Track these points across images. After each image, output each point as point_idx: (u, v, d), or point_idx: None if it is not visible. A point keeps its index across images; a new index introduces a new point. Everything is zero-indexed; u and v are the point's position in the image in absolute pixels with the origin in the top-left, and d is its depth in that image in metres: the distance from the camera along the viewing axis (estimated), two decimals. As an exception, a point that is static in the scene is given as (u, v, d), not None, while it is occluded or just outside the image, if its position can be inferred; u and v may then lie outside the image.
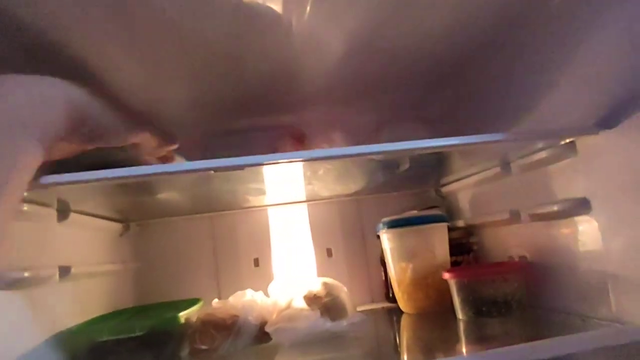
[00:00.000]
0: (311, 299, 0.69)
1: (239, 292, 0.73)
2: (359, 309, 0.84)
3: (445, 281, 0.71)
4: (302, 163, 0.54)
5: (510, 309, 0.65)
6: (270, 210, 0.96)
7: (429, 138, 0.50)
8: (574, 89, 0.57)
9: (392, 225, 0.78)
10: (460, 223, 0.89)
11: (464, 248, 0.86)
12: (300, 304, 0.69)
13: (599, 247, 0.56)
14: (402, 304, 0.79)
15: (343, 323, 0.63)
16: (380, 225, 0.80)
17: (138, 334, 0.60)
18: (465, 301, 0.68)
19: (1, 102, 0.37)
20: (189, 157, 0.57)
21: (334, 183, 0.79)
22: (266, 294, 0.75)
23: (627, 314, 0.53)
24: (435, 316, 0.74)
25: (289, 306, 0.69)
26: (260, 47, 0.60)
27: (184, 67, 0.63)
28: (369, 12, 0.55)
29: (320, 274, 0.94)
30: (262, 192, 0.75)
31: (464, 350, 0.56)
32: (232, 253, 0.95)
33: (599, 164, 0.55)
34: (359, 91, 0.82)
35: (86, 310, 0.69)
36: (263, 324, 0.66)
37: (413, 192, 1.00)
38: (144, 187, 0.59)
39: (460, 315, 0.68)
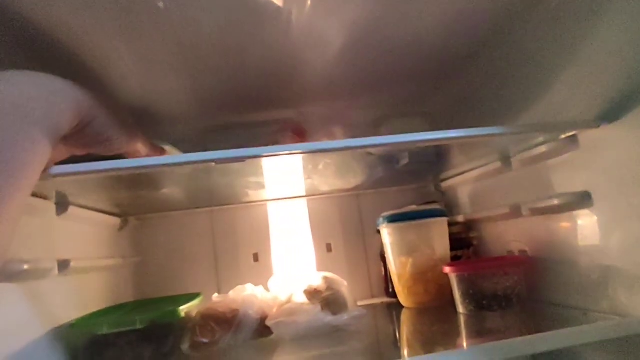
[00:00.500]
0: (311, 294, 0.69)
1: (239, 287, 0.73)
2: (359, 304, 0.84)
3: (446, 275, 0.71)
4: (302, 156, 0.53)
5: (511, 303, 0.65)
6: (270, 205, 0.96)
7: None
8: (575, 84, 0.57)
9: (393, 219, 0.78)
10: (460, 218, 0.89)
11: (464, 243, 0.86)
12: (301, 298, 0.69)
13: (599, 240, 0.57)
14: (402, 298, 0.79)
15: (344, 317, 0.63)
16: (381, 219, 0.80)
17: (139, 327, 0.60)
18: (465, 295, 0.68)
19: (12, 95, 0.37)
20: (189, 153, 0.57)
21: (334, 177, 0.79)
22: (266, 289, 0.75)
23: (628, 307, 0.53)
24: (436, 310, 0.74)
25: (289, 301, 0.69)
26: (259, 40, 0.60)
27: (180, 59, 0.62)
28: (368, 5, 0.55)
29: (320, 269, 0.94)
30: (262, 186, 0.75)
31: (464, 343, 0.56)
32: (231, 248, 0.94)
33: (600, 158, 0.55)
34: (359, 86, 0.82)
35: (86, 304, 0.69)
36: (263, 318, 0.66)
37: (412, 188, 1.00)
38: (143, 180, 0.59)
39: (460, 309, 0.68)
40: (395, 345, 0.61)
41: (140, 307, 0.75)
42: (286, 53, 0.65)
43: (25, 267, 0.51)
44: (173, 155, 0.45)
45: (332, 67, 0.72)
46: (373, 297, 0.95)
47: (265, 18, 0.54)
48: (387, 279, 0.89)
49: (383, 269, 0.90)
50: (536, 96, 0.64)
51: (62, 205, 0.62)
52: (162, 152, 0.59)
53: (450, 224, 0.81)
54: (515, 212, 0.71)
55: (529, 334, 0.49)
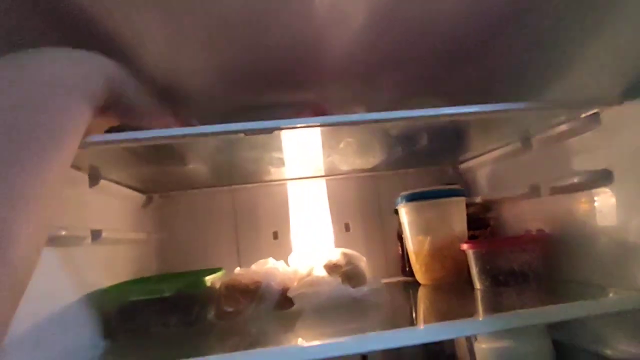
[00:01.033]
0: (331, 268, 0.71)
1: (261, 261, 0.76)
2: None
3: (462, 254, 0.73)
4: (325, 132, 0.55)
5: (528, 279, 0.66)
6: (289, 184, 0.98)
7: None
8: (598, 61, 0.57)
9: (411, 198, 0.79)
10: (478, 199, 0.90)
11: (481, 223, 0.87)
12: (321, 272, 0.71)
13: (619, 218, 0.57)
14: (419, 275, 0.81)
15: (364, 289, 0.65)
16: (399, 198, 0.81)
17: (166, 295, 0.63)
18: (482, 271, 0.69)
19: (52, 67, 0.39)
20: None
21: (354, 156, 0.80)
22: (286, 265, 0.77)
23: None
24: (452, 287, 0.75)
25: (309, 274, 0.71)
26: (283, 16, 0.61)
27: (204, 35, 0.64)
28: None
29: (338, 248, 0.95)
30: (283, 163, 0.77)
31: (480, 313, 0.57)
32: (252, 226, 0.97)
33: (622, 136, 0.56)
34: (381, 65, 0.83)
35: (115, 274, 0.72)
36: (285, 290, 0.68)
37: (431, 170, 1.01)
38: (171, 154, 0.61)
39: (477, 285, 0.70)
40: (412, 315, 0.63)
41: (166, 279, 0.78)
42: (308, 32, 0.66)
43: (63, 232, 0.53)
44: (205, 126, 0.46)
45: (354, 46, 0.73)
46: (390, 276, 0.96)
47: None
48: (404, 258, 0.90)
49: (400, 248, 0.92)
50: (558, 75, 0.64)
51: (94, 177, 0.65)
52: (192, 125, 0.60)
53: (467, 205, 0.82)
54: (535, 191, 0.72)
55: (545, 306, 0.50)
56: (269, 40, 0.68)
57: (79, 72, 0.42)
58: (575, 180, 0.62)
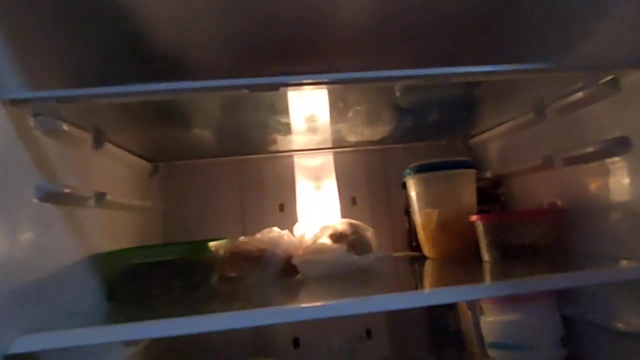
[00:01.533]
0: (337, 237, 0.70)
1: (265, 229, 0.75)
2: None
3: (471, 228, 0.71)
4: (334, 92, 0.53)
5: (538, 252, 0.65)
6: (296, 157, 0.97)
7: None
8: (617, 27, 0.55)
9: (420, 170, 0.77)
10: (488, 174, 0.88)
11: (491, 198, 0.85)
12: (326, 241, 0.70)
13: (634, 189, 0.55)
14: (427, 249, 0.80)
15: (369, 257, 0.64)
16: (407, 170, 0.79)
17: (170, 258, 0.62)
18: (492, 244, 0.67)
19: None
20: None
21: (362, 125, 0.79)
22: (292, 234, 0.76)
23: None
24: (459, 260, 0.74)
25: (315, 242, 0.70)
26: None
27: (214, 5, 0.62)
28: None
29: (345, 219, 0.94)
30: (290, 130, 0.76)
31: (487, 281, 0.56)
32: (258, 198, 0.96)
33: (642, 101, 0.53)
34: (392, 38, 0.80)
35: (119, 239, 0.71)
36: (289, 258, 0.68)
37: (440, 144, 0.99)
38: (175, 114, 0.60)
39: (486, 257, 0.68)
40: (417, 283, 0.62)
41: (170, 245, 0.78)
42: (319, 0, 0.64)
43: (66, 190, 0.53)
44: (208, 81, 0.45)
45: (366, 16, 0.71)
46: (396, 251, 0.95)
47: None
48: (411, 233, 0.89)
49: (407, 223, 0.91)
50: (576, 43, 0.61)
51: (99, 140, 0.64)
52: None
53: (477, 180, 0.80)
54: (547, 163, 0.70)
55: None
56: (280, 10, 0.66)
57: None
58: (590, 149, 0.60)
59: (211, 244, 0.66)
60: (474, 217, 0.70)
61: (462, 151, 0.98)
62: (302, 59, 0.85)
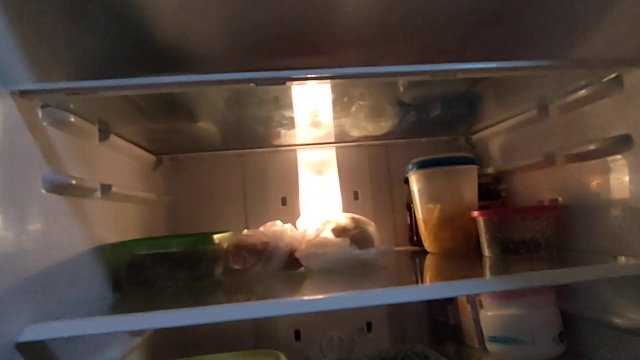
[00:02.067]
0: (340, 231, 0.71)
1: (268, 223, 0.75)
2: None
3: (472, 224, 0.72)
4: (338, 86, 0.54)
5: (539, 248, 0.66)
6: (299, 151, 0.97)
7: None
8: (622, 24, 0.55)
9: (422, 165, 0.78)
10: (490, 170, 0.89)
11: (492, 194, 0.86)
12: (329, 235, 0.71)
13: (636, 185, 0.56)
14: (428, 244, 0.80)
15: (372, 251, 0.65)
16: (410, 165, 0.80)
17: (174, 249, 0.63)
18: (492, 239, 0.68)
19: None
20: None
21: (366, 120, 0.79)
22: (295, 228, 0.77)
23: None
24: (460, 254, 0.75)
25: (317, 236, 0.71)
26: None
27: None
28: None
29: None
30: (294, 125, 0.76)
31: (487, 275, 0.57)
32: (260, 191, 0.97)
33: (645, 99, 0.54)
34: (396, 32, 0.80)
35: (124, 231, 0.72)
36: (292, 251, 0.68)
37: (442, 140, 1.00)
38: (181, 107, 0.60)
39: (486, 253, 0.69)
40: (419, 277, 0.62)
41: (175, 237, 0.78)
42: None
43: (73, 181, 0.53)
44: (215, 74, 0.45)
45: (369, 9, 0.71)
46: (398, 245, 0.96)
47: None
48: (412, 228, 0.90)
49: (409, 218, 0.91)
50: (580, 41, 0.62)
51: (104, 132, 0.65)
52: None
53: (479, 176, 0.81)
54: (549, 160, 0.70)
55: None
56: (284, 3, 0.66)
57: None
58: (592, 147, 0.61)
59: (216, 236, 0.67)
60: (475, 213, 0.70)
61: (464, 147, 0.99)
62: (307, 54, 0.85)
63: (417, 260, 0.77)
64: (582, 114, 0.64)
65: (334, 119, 0.76)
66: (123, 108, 0.61)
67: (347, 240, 0.66)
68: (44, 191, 0.48)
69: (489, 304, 0.71)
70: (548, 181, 0.74)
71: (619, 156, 0.58)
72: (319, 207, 0.95)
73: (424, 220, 0.80)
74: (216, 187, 0.97)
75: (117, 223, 0.71)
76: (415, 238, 0.88)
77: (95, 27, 0.62)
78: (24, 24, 0.47)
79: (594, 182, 0.63)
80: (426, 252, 0.81)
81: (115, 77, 0.47)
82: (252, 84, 0.46)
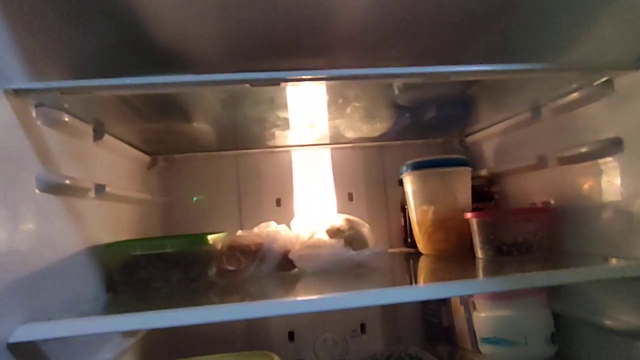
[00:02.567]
0: (334, 232, 0.71)
1: (262, 224, 0.76)
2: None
3: (466, 225, 0.72)
4: (333, 87, 0.54)
5: (531, 249, 0.66)
6: (294, 152, 0.98)
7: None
8: (613, 26, 0.56)
9: (416, 167, 0.78)
10: (483, 172, 0.89)
11: (486, 196, 0.86)
12: (323, 237, 0.71)
13: (626, 188, 0.56)
14: (422, 245, 0.81)
15: (365, 252, 0.65)
16: (404, 167, 0.80)
17: (168, 250, 0.63)
18: (486, 241, 0.68)
19: None
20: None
21: (360, 121, 0.79)
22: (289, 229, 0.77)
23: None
24: (454, 256, 0.75)
25: (311, 238, 0.71)
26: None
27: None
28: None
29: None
30: (289, 126, 0.76)
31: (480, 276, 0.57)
32: (255, 192, 0.97)
33: (636, 103, 0.54)
34: (391, 35, 0.81)
35: (118, 231, 0.72)
36: (286, 253, 0.69)
37: (437, 142, 1.00)
38: (176, 107, 0.60)
39: (479, 254, 0.69)
40: (412, 278, 0.63)
41: (168, 238, 0.78)
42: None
43: (67, 181, 0.53)
44: (209, 75, 0.45)
45: (365, 12, 0.71)
46: (392, 247, 0.96)
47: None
48: (406, 229, 0.90)
49: (403, 219, 0.92)
50: (572, 44, 0.63)
51: (99, 132, 0.65)
52: None
53: (472, 178, 0.81)
54: (542, 162, 0.71)
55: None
56: (280, 5, 0.67)
57: None
58: (584, 149, 0.61)
59: (209, 237, 0.66)
60: (468, 215, 0.71)
61: (458, 149, 0.99)
62: (302, 56, 0.85)
63: (411, 262, 0.77)
64: (574, 117, 0.64)
65: (329, 120, 0.76)
66: (118, 108, 0.61)
67: (341, 242, 0.66)
68: (37, 191, 0.48)
69: (482, 305, 0.72)
70: (540, 183, 0.75)
71: (610, 159, 0.59)
72: (313, 208, 0.95)
73: (418, 222, 0.80)
74: (211, 188, 0.97)
75: (112, 223, 0.71)
76: (409, 240, 0.88)
77: (91, 27, 0.62)
78: (19, 22, 0.47)
79: (586, 185, 0.64)
80: (420, 254, 0.82)
81: (111, 77, 0.47)
82: (247, 85, 0.47)
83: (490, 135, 0.89)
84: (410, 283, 0.61)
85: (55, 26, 0.55)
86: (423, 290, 0.51)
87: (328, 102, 0.64)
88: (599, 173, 0.61)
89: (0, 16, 0.44)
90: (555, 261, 0.63)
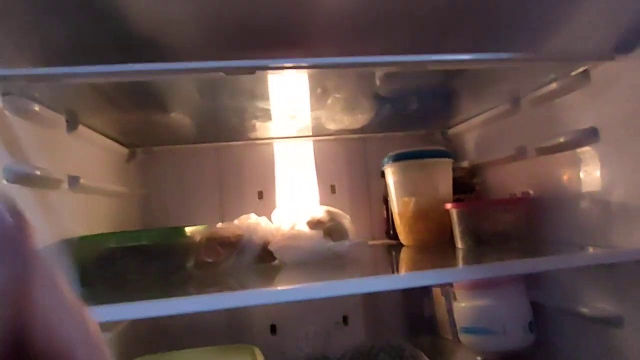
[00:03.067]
0: (314, 224, 0.71)
1: (243, 216, 0.75)
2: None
3: (446, 216, 0.72)
4: (314, 77, 0.53)
5: (510, 239, 0.67)
6: (275, 144, 0.97)
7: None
8: (590, 17, 0.56)
9: (397, 158, 0.78)
10: (465, 164, 0.90)
11: (466, 187, 0.86)
12: (304, 228, 0.70)
13: (602, 178, 0.57)
14: (403, 236, 0.81)
15: (345, 244, 0.65)
16: (386, 159, 0.80)
17: (144, 243, 0.62)
18: (465, 231, 0.69)
19: None
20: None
21: (342, 113, 0.79)
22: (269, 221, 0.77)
23: (622, 241, 0.54)
24: (435, 247, 0.75)
25: (292, 229, 0.71)
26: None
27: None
28: None
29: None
30: (269, 117, 0.75)
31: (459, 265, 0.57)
32: (237, 185, 0.96)
33: (610, 93, 0.55)
34: (373, 25, 0.80)
35: (94, 224, 0.70)
36: (266, 245, 0.68)
37: (419, 134, 1.00)
38: (151, 96, 0.59)
39: (459, 244, 0.70)
40: (393, 268, 0.63)
41: (145, 231, 0.77)
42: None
43: (37, 172, 0.52)
44: (182, 62, 0.44)
45: (346, 2, 0.70)
46: (374, 239, 0.96)
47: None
48: (389, 221, 0.90)
49: (385, 211, 0.92)
50: (550, 34, 0.63)
51: (73, 122, 0.63)
52: None
53: (454, 169, 0.82)
54: (521, 153, 0.72)
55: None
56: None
57: None
58: (562, 139, 0.62)
59: (187, 229, 0.65)
60: (448, 205, 0.71)
61: (440, 141, 1.00)
62: (280, 46, 0.84)
63: (393, 253, 0.77)
64: (552, 108, 0.65)
65: (310, 111, 0.76)
66: (92, 98, 0.59)
67: (321, 233, 0.65)
68: (4, 182, 0.47)
69: (462, 295, 0.72)
70: (520, 174, 0.76)
71: (586, 148, 0.59)
72: (295, 200, 0.94)
73: (400, 213, 0.80)
74: (192, 181, 0.95)
75: (88, 216, 0.69)
76: (391, 231, 0.88)
77: (63, 14, 0.60)
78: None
79: (564, 175, 0.65)
80: (402, 245, 0.82)
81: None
82: (221, 73, 0.46)
83: (471, 127, 0.90)
84: (391, 273, 0.61)
85: (24, 14, 0.53)
86: (403, 278, 0.51)
87: (308, 92, 0.64)
88: (576, 163, 0.62)
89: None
90: (534, 250, 0.64)
